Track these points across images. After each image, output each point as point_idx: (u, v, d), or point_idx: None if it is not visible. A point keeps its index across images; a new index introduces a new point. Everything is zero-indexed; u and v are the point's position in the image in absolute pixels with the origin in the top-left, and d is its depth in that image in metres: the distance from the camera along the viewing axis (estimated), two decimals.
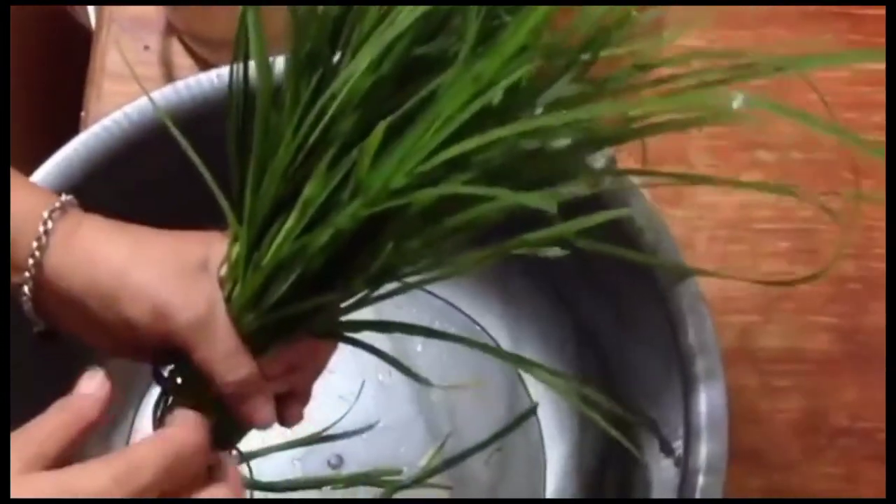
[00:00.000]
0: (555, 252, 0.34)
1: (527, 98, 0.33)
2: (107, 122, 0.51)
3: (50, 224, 0.38)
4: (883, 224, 0.64)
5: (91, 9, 0.87)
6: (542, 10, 0.31)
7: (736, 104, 0.33)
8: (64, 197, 0.39)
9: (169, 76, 0.67)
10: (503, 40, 0.31)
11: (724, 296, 0.62)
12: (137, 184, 0.50)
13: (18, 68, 0.71)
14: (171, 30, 0.68)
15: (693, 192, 0.66)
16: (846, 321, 0.63)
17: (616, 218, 0.38)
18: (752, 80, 0.36)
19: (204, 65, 0.67)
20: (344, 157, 0.36)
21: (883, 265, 0.64)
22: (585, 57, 0.34)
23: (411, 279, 0.37)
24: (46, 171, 0.49)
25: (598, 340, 0.57)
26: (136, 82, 0.66)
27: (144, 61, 0.68)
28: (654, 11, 0.37)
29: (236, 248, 0.39)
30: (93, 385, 0.36)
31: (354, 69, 0.34)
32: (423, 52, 0.35)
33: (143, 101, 0.51)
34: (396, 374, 0.48)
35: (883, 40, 0.68)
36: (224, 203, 0.39)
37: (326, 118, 0.35)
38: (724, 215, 0.65)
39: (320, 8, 0.36)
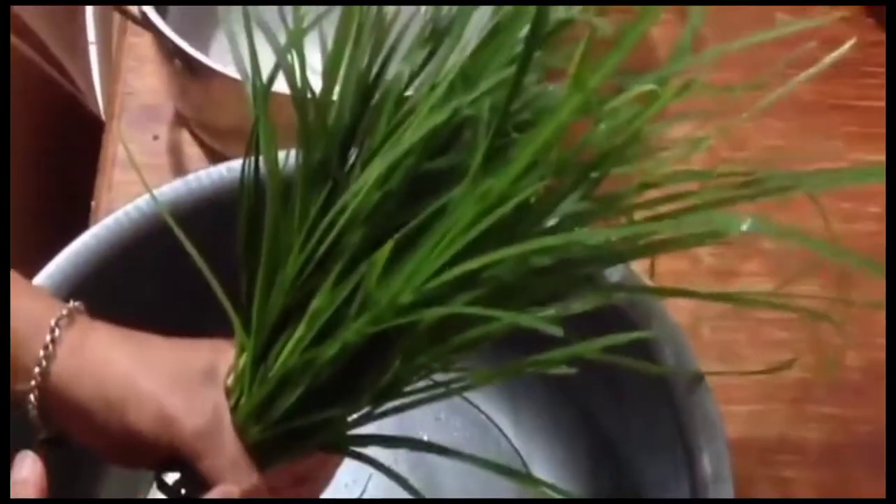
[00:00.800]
0: (567, 370, 0.34)
1: (536, 215, 0.34)
2: (118, 215, 0.51)
3: (57, 332, 0.38)
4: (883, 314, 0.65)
5: (100, 98, 0.88)
6: (550, 128, 0.32)
7: (745, 227, 0.33)
8: (72, 304, 0.40)
9: (178, 166, 0.68)
10: (512, 158, 0.32)
11: (725, 384, 0.63)
12: (148, 278, 0.50)
13: (29, 158, 0.72)
14: (179, 119, 0.69)
15: (697, 282, 0.66)
16: (848, 411, 0.63)
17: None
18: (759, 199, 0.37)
19: (212, 154, 0.68)
20: (353, 271, 0.36)
21: (883, 354, 0.64)
22: (595, 175, 0.35)
23: (419, 396, 0.37)
24: (57, 264, 0.50)
25: (605, 433, 0.57)
26: (145, 173, 0.68)
27: (154, 151, 0.69)
28: (661, 125, 0.38)
29: (243, 358, 0.39)
30: (24, 470, 0.37)
31: (363, 183, 0.35)
32: (432, 166, 0.36)
33: (167, 188, 0.52)
34: (403, 464, 0.48)
35: (879, 131, 0.70)
36: (231, 311, 0.40)
37: (335, 231, 0.36)
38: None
39: (330, 119, 0.37)
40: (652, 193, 0.38)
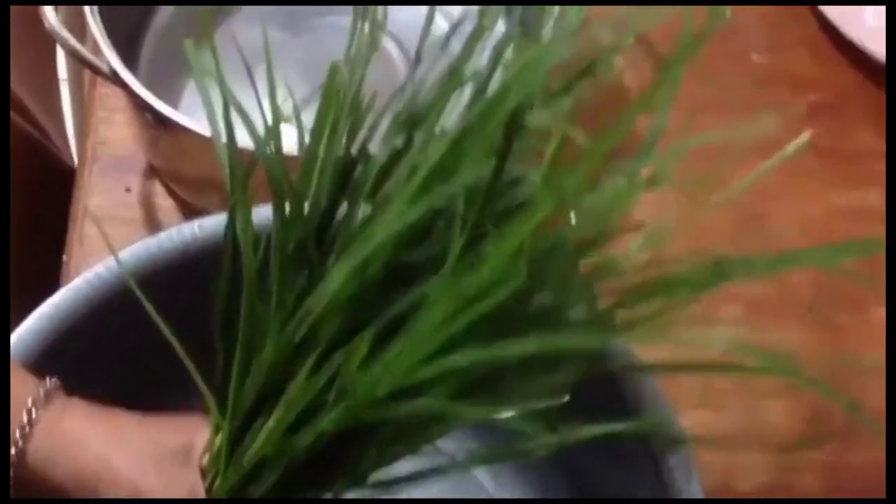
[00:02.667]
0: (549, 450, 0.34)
1: (511, 309, 0.34)
2: (89, 276, 0.50)
3: (34, 413, 0.38)
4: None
5: (73, 148, 0.88)
6: (521, 232, 0.31)
7: (718, 345, 0.33)
8: (48, 382, 0.40)
9: (151, 219, 0.68)
10: (486, 256, 0.32)
11: (707, 432, 0.62)
12: (123, 339, 0.49)
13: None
14: (152, 171, 0.68)
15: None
16: (834, 457, 0.62)
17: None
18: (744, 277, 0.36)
19: (185, 206, 0.67)
20: (329, 359, 0.36)
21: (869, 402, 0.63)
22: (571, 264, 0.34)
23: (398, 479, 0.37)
24: (27, 325, 0.49)
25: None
26: (118, 226, 0.68)
27: (126, 203, 0.68)
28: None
29: (219, 438, 0.39)
30: None
31: (340, 272, 0.35)
32: (408, 257, 0.36)
33: (125, 253, 0.51)
34: None
35: (853, 172, 0.70)
36: (205, 391, 0.39)
37: (312, 318, 0.36)
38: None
39: (307, 205, 0.37)
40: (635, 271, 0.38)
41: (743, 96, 0.73)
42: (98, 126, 0.70)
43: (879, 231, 0.67)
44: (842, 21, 0.72)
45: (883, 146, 0.70)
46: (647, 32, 0.39)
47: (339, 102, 0.38)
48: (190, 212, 0.67)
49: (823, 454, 0.62)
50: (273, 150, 0.37)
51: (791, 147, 0.39)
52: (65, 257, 0.66)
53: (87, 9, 0.60)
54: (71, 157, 0.85)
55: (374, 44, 0.39)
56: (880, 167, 0.69)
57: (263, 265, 0.38)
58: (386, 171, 0.38)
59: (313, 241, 0.37)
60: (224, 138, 0.38)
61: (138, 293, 0.40)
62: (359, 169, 0.38)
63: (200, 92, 0.38)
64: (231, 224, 0.38)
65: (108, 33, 0.60)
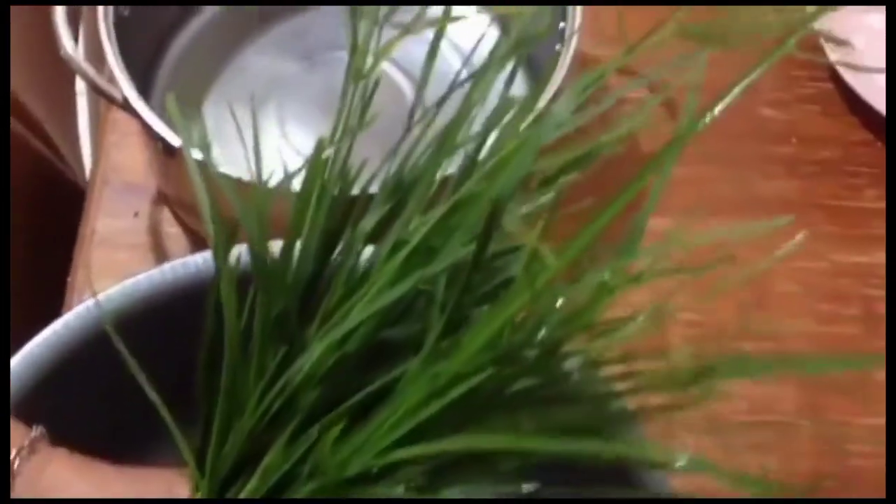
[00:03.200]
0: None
1: (488, 395, 0.34)
2: (90, 304, 0.51)
3: (17, 464, 0.39)
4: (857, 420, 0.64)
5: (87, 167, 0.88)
6: (504, 313, 0.31)
7: (679, 463, 0.33)
8: (34, 432, 0.40)
9: (157, 245, 0.68)
10: (462, 344, 0.32)
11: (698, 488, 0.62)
12: (105, 382, 0.49)
13: (15, 231, 0.72)
14: (161, 197, 0.69)
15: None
16: None
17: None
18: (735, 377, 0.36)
19: (193, 235, 0.68)
20: (306, 430, 0.36)
21: (860, 461, 0.63)
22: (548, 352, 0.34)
23: None
24: (24, 354, 0.49)
25: None
26: (124, 251, 0.68)
27: (133, 229, 0.68)
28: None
29: (198, 495, 0.39)
30: None
31: (319, 346, 0.35)
32: (388, 335, 0.36)
33: (127, 285, 0.51)
34: None
35: (860, 232, 0.70)
36: (185, 449, 0.40)
37: (291, 388, 0.36)
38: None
39: (289, 276, 0.37)
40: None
41: (752, 151, 0.74)
42: (110, 150, 0.71)
43: (879, 290, 0.67)
44: (854, 80, 0.72)
45: (887, 206, 0.70)
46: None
47: (326, 175, 0.38)
48: (197, 240, 0.67)
49: None
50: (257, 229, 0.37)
51: (784, 250, 0.39)
52: (69, 279, 0.67)
53: (104, 35, 0.60)
54: (84, 179, 0.86)
55: (364, 113, 0.39)
56: (884, 227, 0.69)
57: (247, 325, 0.38)
58: (374, 240, 0.38)
59: (296, 310, 0.38)
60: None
61: (115, 339, 0.40)
62: (345, 238, 0.39)
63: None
64: (217, 286, 0.38)
65: (124, 60, 0.61)
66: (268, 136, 0.69)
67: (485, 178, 0.36)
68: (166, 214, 0.69)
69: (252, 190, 0.38)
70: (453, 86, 0.42)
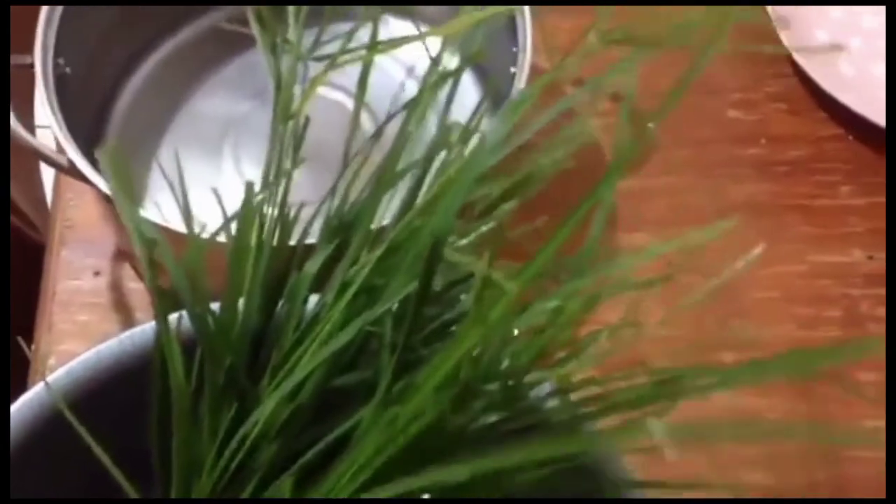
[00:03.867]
0: None
1: (451, 435, 0.32)
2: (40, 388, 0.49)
3: None
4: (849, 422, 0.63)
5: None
6: (458, 350, 0.30)
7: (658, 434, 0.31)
8: None
9: (120, 302, 0.67)
10: (417, 384, 0.31)
11: None
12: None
13: None
14: (120, 254, 0.67)
15: None
16: None
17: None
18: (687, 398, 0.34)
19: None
20: (266, 488, 0.35)
21: (855, 468, 0.61)
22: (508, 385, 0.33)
23: None
24: None
25: None
26: (86, 311, 0.66)
27: (94, 288, 0.67)
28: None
29: None
30: None
31: (271, 400, 0.33)
32: (341, 382, 0.35)
33: (90, 355, 0.49)
34: None
35: (838, 231, 0.68)
36: None
37: (247, 446, 0.34)
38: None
39: (234, 332, 0.36)
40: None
41: (722, 155, 0.72)
42: (66, 209, 0.69)
43: (861, 289, 0.66)
44: (817, 73, 0.70)
45: (865, 201, 0.69)
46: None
47: (263, 223, 0.37)
48: None
49: None
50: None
51: (741, 263, 0.37)
52: (33, 345, 0.65)
53: (45, 99, 0.59)
54: (40, 236, 0.84)
55: (297, 152, 0.38)
56: (862, 224, 0.68)
57: (198, 386, 0.36)
58: (319, 284, 0.37)
59: (244, 364, 0.36)
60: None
61: (64, 410, 0.39)
62: (289, 285, 0.37)
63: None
64: (159, 350, 0.36)
65: (69, 118, 0.59)
66: (225, 177, 0.68)
67: (422, 211, 0.35)
68: (127, 270, 0.67)
69: (187, 242, 0.36)
70: (389, 117, 0.40)
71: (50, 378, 0.48)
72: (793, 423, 0.48)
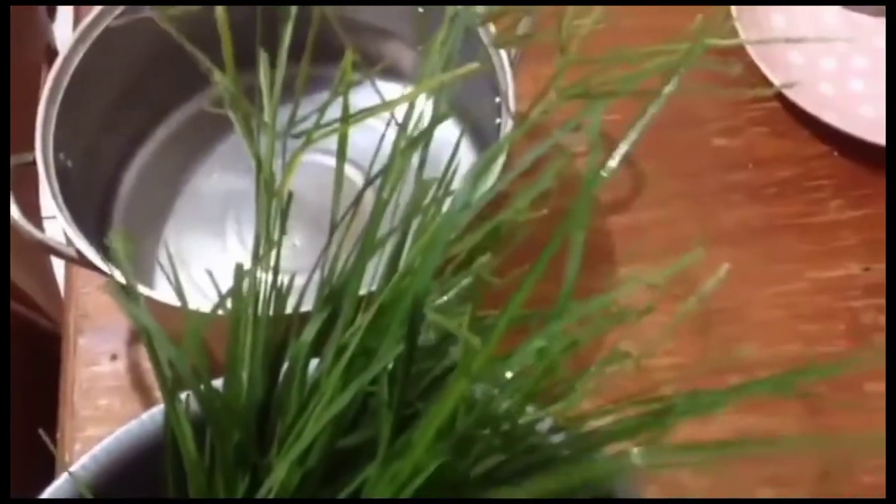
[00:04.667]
0: None
1: (454, 482, 0.34)
2: (77, 467, 0.50)
3: None
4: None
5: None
6: (447, 402, 0.31)
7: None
8: None
9: (140, 383, 0.68)
10: (414, 438, 0.32)
11: None
12: None
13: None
14: (135, 336, 0.69)
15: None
16: None
17: None
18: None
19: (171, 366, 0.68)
20: None
21: (871, 478, 0.62)
22: (505, 427, 0.34)
23: None
24: None
25: None
26: (107, 396, 0.68)
27: (114, 372, 0.68)
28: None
29: None
30: None
31: (281, 468, 0.35)
32: (346, 443, 0.36)
33: (111, 441, 0.51)
34: None
35: (832, 245, 0.69)
36: None
37: None
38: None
39: (239, 409, 0.37)
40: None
41: (711, 183, 0.73)
42: (79, 298, 0.71)
43: (862, 300, 0.67)
44: (797, 95, 0.72)
45: (856, 214, 0.70)
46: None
47: (255, 295, 0.38)
48: None
49: None
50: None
51: (710, 284, 0.38)
52: (58, 434, 0.67)
53: (49, 193, 0.61)
54: (54, 325, 0.86)
55: (283, 230, 0.39)
56: (854, 237, 0.69)
57: (212, 460, 0.38)
58: (315, 350, 0.38)
59: (254, 436, 0.37)
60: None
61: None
62: (289, 354, 0.38)
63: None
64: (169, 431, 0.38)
65: (74, 210, 0.61)
66: (230, 253, 0.70)
67: (405, 274, 0.36)
68: (143, 351, 0.69)
69: (186, 319, 0.38)
70: (367, 182, 0.42)
71: (74, 467, 0.50)
72: (801, 438, 0.49)
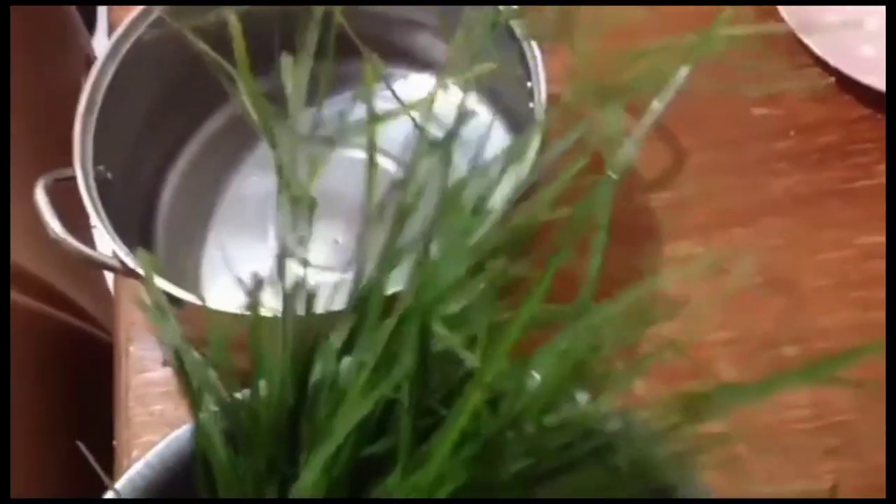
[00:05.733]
0: None
1: (485, 482, 0.33)
2: (131, 475, 0.51)
3: None
4: None
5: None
6: (465, 411, 0.31)
7: None
8: None
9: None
10: (433, 448, 0.32)
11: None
12: None
13: (43, 394, 0.73)
14: (186, 341, 0.70)
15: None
16: None
17: None
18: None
19: (219, 370, 0.68)
20: None
21: None
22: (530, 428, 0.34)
23: None
24: None
25: None
26: (160, 402, 0.69)
27: (165, 378, 0.69)
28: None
29: None
30: None
31: (310, 473, 0.35)
32: (371, 451, 0.36)
33: (162, 447, 0.51)
34: None
35: (879, 210, 0.68)
36: None
37: None
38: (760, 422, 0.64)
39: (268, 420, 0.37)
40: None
41: (754, 153, 0.72)
42: (127, 307, 0.71)
43: None
44: (837, 59, 0.70)
45: None
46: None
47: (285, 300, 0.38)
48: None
49: None
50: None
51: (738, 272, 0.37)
52: (115, 442, 0.67)
53: (89, 206, 0.61)
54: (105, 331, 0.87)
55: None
56: None
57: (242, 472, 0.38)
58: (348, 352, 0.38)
59: (284, 450, 0.37)
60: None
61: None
62: (320, 358, 0.38)
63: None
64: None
65: (115, 221, 0.62)
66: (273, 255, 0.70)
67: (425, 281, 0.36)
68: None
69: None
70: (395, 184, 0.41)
71: (130, 473, 0.50)
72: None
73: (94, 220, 0.60)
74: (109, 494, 0.49)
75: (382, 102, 0.42)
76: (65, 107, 0.66)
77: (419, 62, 0.75)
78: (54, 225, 0.59)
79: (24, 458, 0.70)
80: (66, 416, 0.75)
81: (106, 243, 0.62)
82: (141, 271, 0.59)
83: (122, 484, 0.51)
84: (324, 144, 0.39)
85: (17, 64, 0.81)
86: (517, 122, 0.71)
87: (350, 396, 0.35)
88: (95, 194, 0.61)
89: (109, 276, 0.97)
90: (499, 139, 0.71)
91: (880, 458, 0.61)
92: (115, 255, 0.60)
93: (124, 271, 0.60)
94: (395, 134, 0.52)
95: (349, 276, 0.41)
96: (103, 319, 0.87)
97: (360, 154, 0.71)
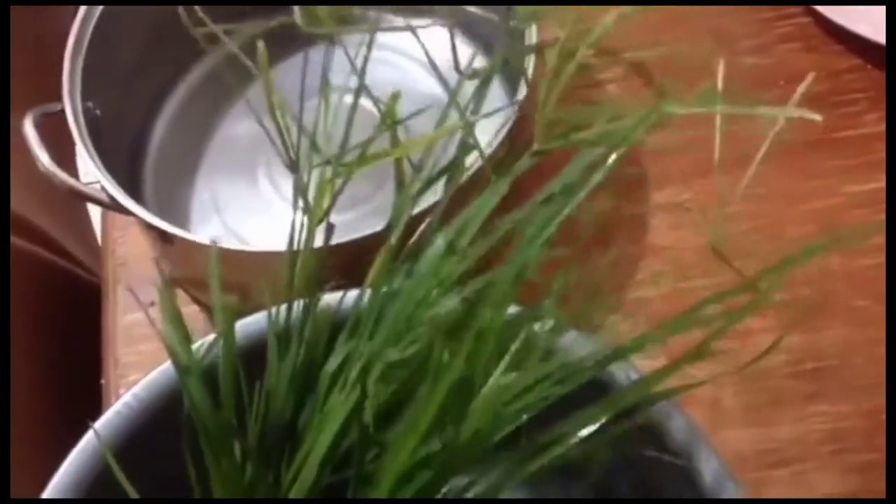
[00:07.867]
0: None
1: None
2: (118, 407, 0.51)
3: None
4: None
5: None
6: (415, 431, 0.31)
7: None
8: None
9: None
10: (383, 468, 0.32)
11: (760, 449, 0.61)
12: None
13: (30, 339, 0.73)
14: (172, 281, 0.70)
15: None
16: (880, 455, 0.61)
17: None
18: None
19: (208, 310, 0.68)
20: None
21: None
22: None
23: None
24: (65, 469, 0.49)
25: None
26: (147, 342, 0.69)
27: (153, 318, 0.69)
28: None
29: None
30: None
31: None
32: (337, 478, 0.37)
33: (151, 378, 0.51)
34: None
35: (866, 159, 0.68)
36: None
37: None
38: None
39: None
40: None
41: (744, 101, 0.72)
42: (115, 247, 0.71)
43: None
44: (826, 9, 0.70)
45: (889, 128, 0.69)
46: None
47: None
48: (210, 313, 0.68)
49: (874, 453, 0.60)
50: None
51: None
52: (102, 380, 0.68)
53: (79, 139, 0.61)
54: (91, 272, 0.87)
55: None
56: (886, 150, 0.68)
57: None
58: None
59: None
60: None
61: (111, 461, 0.40)
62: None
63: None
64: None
65: (105, 157, 0.61)
66: (263, 198, 0.70)
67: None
68: (181, 295, 0.69)
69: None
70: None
71: (117, 405, 0.50)
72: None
73: (82, 151, 0.60)
74: (101, 421, 0.49)
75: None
76: (57, 54, 0.65)
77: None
78: (43, 157, 0.59)
79: (18, 391, 0.70)
80: (55, 356, 0.75)
81: (93, 177, 0.62)
82: (130, 205, 0.59)
83: (109, 416, 0.51)
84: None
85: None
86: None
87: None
88: (84, 128, 0.61)
89: (96, 221, 0.97)
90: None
91: (867, 403, 0.61)
92: (103, 189, 0.60)
93: (112, 205, 0.60)
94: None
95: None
96: (90, 263, 0.87)
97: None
